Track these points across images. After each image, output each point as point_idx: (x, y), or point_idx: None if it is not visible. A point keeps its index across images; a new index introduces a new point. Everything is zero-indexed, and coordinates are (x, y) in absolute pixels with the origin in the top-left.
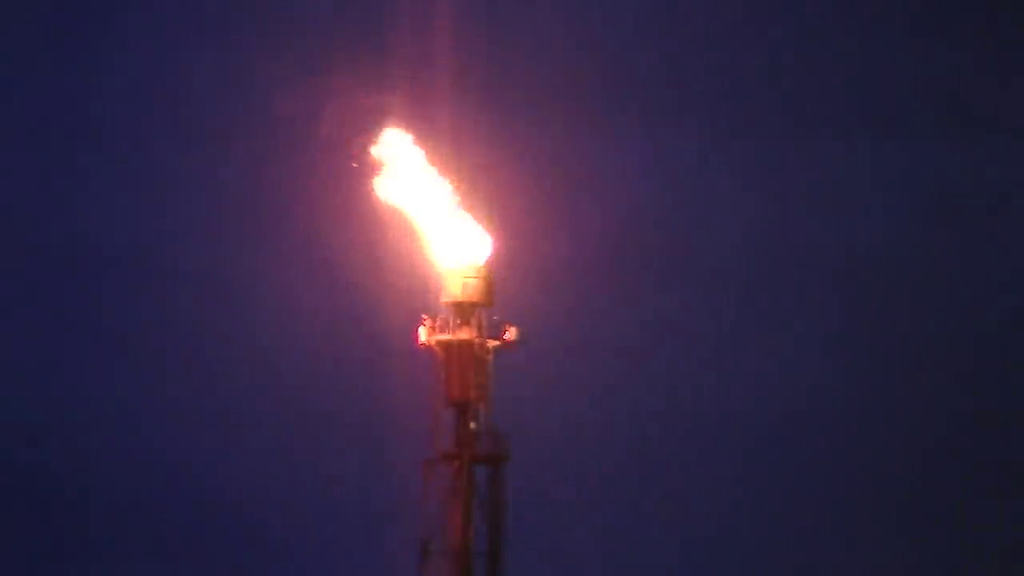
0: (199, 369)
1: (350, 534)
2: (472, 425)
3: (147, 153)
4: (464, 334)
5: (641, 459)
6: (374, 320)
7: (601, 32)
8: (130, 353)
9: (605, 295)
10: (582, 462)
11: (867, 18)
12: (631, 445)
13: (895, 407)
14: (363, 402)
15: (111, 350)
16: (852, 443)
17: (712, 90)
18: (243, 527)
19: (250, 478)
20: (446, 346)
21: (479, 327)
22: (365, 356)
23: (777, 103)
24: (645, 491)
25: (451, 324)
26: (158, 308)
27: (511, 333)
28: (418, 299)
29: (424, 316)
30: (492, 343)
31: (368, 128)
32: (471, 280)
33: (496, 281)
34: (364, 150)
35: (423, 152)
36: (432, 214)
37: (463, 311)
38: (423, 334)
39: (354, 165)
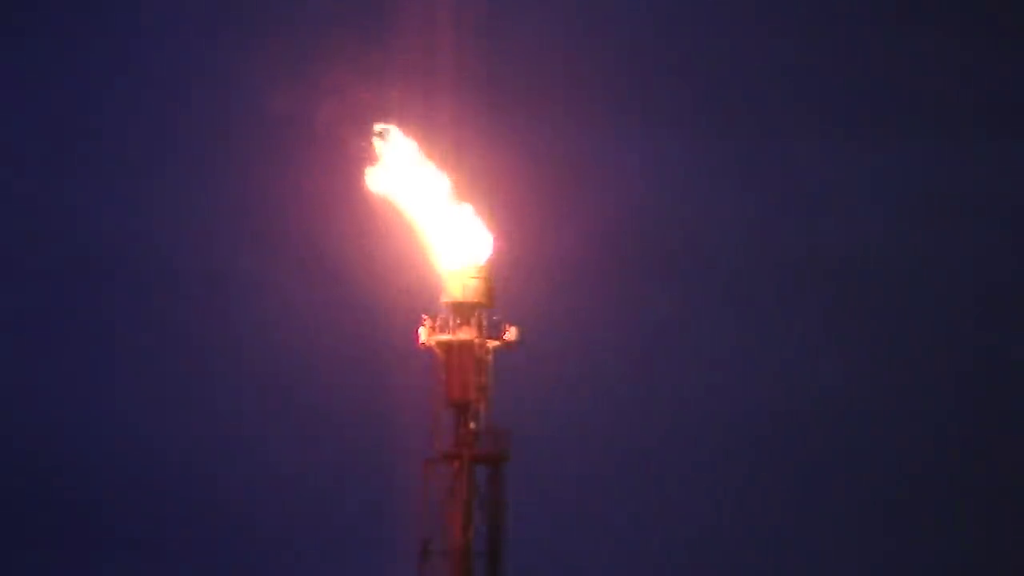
0: (198, 369)
1: (350, 534)
2: (472, 425)
3: (147, 153)
4: (464, 334)
5: (641, 459)
6: (374, 320)
7: (603, 32)
8: (129, 353)
9: (605, 295)
10: (582, 462)
11: (866, 18)
12: (631, 445)
13: (895, 407)
14: (363, 402)
15: (111, 350)
16: (852, 443)
17: (713, 90)
18: (243, 527)
19: (250, 478)
20: (446, 346)
21: (479, 327)
22: (365, 356)
23: (777, 103)
24: (645, 491)
25: (451, 324)
26: (157, 308)
27: (511, 333)
28: (418, 299)
29: (424, 316)
30: (492, 343)
31: (367, 126)
32: (471, 280)
33: (496, 281)
34: (364, 148)
35: (423, 152)
36: (432, 214)
37: (463, 311)
38: (423, 334)
39: (358, 159)
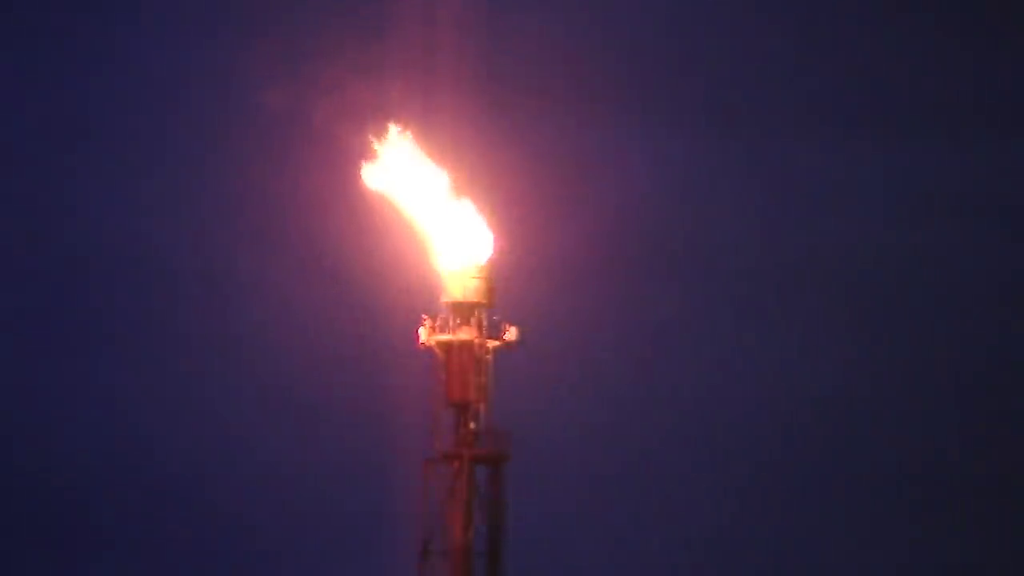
0: (198, 369)
1: (350, 534)
2: (472, 425)
3: (146, 153)
4: (464, 334)
5: (641, 459)
6: (374, 320)
7: (603, 31)
8: (129, 353)
9: (605, 295)
10: (582, 462)
11: (867, 18)
12: (631, 445)
13: (895, 406)
14: (363, 402)
15: (111, 350)
16: (853, 442)
17: (713, 90)
18: (243, 527)
19: (249, 478)
20: (446, 346)
21: (479, 327)
22: (365, 356)
23: (777, 103)
24: (645, 491)
25: (451, 324)
26: (156, 308)
27: (511, 333)
28: (418, 299)
29: (424, 316)
30: (492, 343)
31: (367, 124)
32: (471, 280)
33: (496, 281)
34: (364, 147)
35: (424, 151)
36: (432, 213)
37: (463, 311)
38: (423, 334)
39: (358, 157)
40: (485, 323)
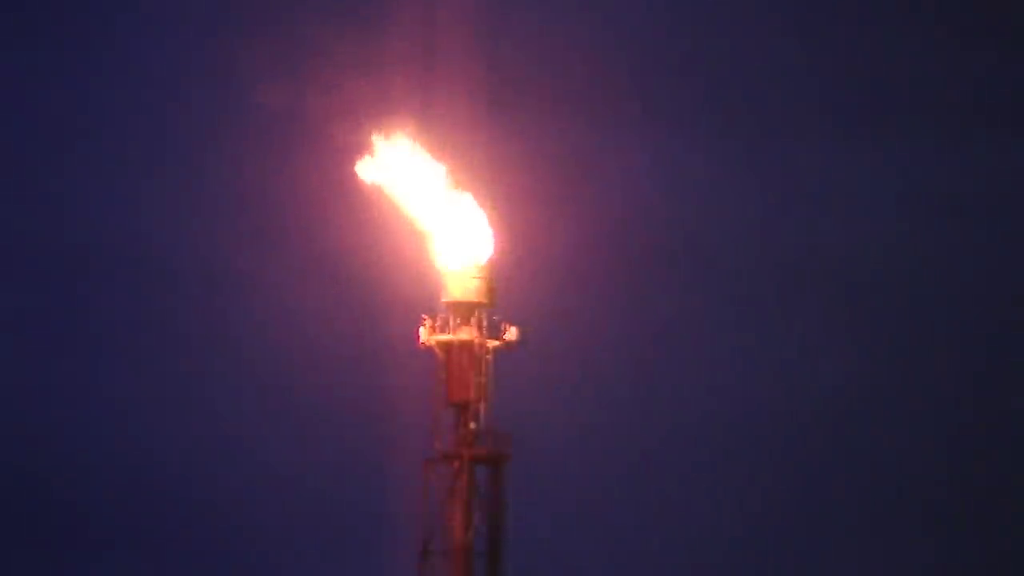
0: (198, 369)
1: (350, 534)
2: (472, 425)
3: (146, 152)
4: (464, 334)
5: (641, 459)
6: (374, 320)
7: (604, 31)
8: (129, 353)
9: (606, 295)
10: (582, 462)
11: (867, 18)
12: (631, 445)
13: (895, 406)
14: (363, 402)
15: (111, 350)
16: (853, 443)
17: (714, 90)
18: (243, 527)
19: (250, 478)
20: (446, 346)
21: (479, 327)
22: (365, 356)
23: (777, 103)
24: (645, 491)
25: (451, 324)
26: (156, 308)
27: (511, 333)
28: (418, 299)
29: (424, 316)
30: (492, 343)
31: (367, 122)
32: (472, 280)
33: (497, 281)
34: (364, 145)
35: (425, 151)
36: (433, 213)
37: (463, 311)
38: (423, 334)
39: (358, 156)
40: (485, 323)
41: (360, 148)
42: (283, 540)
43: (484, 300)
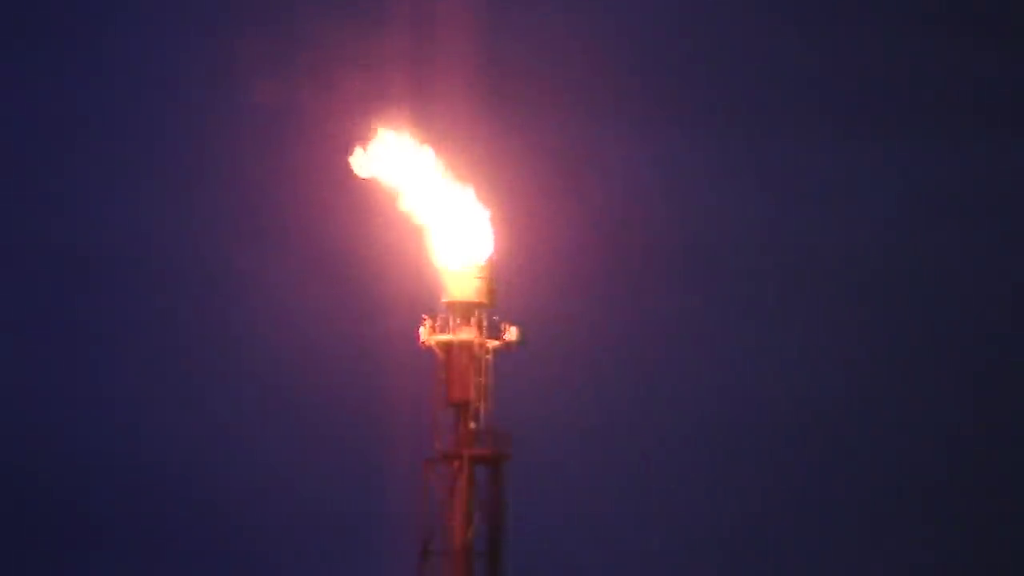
0: (198, 369)
1: (350, 534)
2: (472, 425)
3: (146, 152)
4: (464, 334)
5: (641, 459)
6: (374, 320)
7: (606, 29)
8: (129, 353)
9: (606, 295)
10: (582, 462)
11: (867, 18)
12: (631, 445)
13: (895, 406)
14: (363, 402)
15: (111, 350)
16: (853, 443)
17: (714, 90)
18: (243, 527)
19: (249, 478)
20: (446, 346)
21: (479, 327)
22: (365, 356)
23: (777, 103)
24: (645, 491)
25: (451, 324)
26: (155, 308)
27: (511, 333)
28: (418, 299)
29: (424, 316)
30: (492, 343)
31: (367, 119)
32: (472, 280)
33: (497, 281)
34: (364, 143)
35: (426, 150)
36: (433, 213)
37: (463, 311)
38: (423, 334)
39: (359, 155)
40: (485, 323)
41: (359, 144)
42: (283, 540)
43: (484, 300)
